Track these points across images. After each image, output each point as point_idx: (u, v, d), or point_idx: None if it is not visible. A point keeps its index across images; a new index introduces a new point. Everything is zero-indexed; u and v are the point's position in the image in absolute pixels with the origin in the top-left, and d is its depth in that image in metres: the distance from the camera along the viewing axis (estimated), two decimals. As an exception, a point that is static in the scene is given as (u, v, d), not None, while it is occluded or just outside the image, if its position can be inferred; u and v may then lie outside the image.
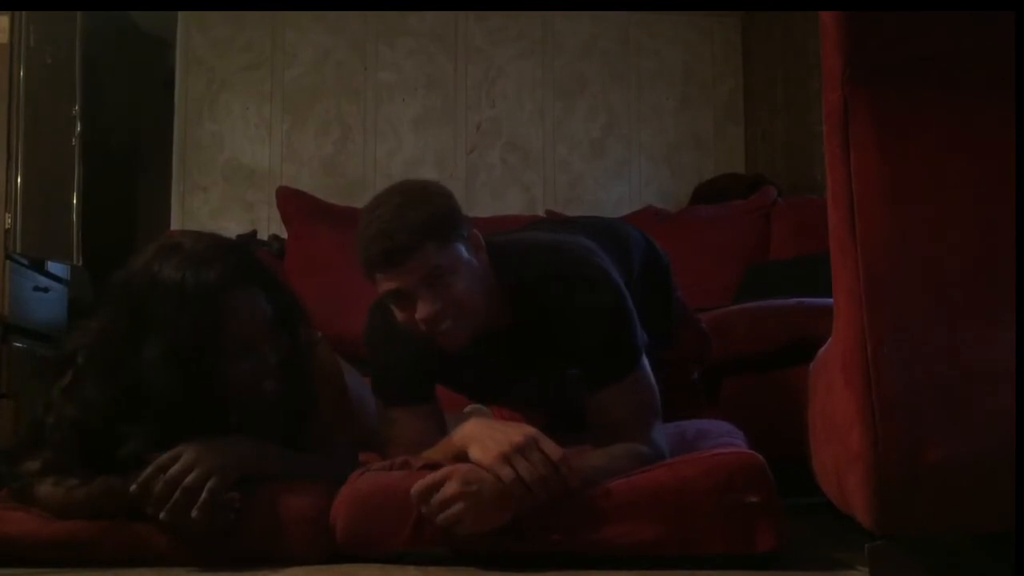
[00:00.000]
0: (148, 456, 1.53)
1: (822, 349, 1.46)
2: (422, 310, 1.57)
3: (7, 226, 3.29)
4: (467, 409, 2.02)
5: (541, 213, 3.91)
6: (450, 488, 1.46)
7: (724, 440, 1.75)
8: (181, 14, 4.19)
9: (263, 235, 3.91)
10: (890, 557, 1.27)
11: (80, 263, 3.75)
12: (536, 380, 1.79)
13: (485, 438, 1.52)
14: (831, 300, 1.31)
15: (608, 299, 1.66)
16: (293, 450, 1.68)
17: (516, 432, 1.52)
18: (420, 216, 1.56)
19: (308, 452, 1.71)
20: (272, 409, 1.66)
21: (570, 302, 1.65)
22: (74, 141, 3.73)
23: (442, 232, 1.58)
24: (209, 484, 1.49)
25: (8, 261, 3.29)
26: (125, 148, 4.64)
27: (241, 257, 1.65)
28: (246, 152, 4.18)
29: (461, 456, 1.54)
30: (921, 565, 1.27)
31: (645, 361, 1.68)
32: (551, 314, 1.66)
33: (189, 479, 1.49)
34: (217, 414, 1.60)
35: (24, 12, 3.40)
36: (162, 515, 1.49)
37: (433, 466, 1.58)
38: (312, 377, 1.73)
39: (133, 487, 1.50)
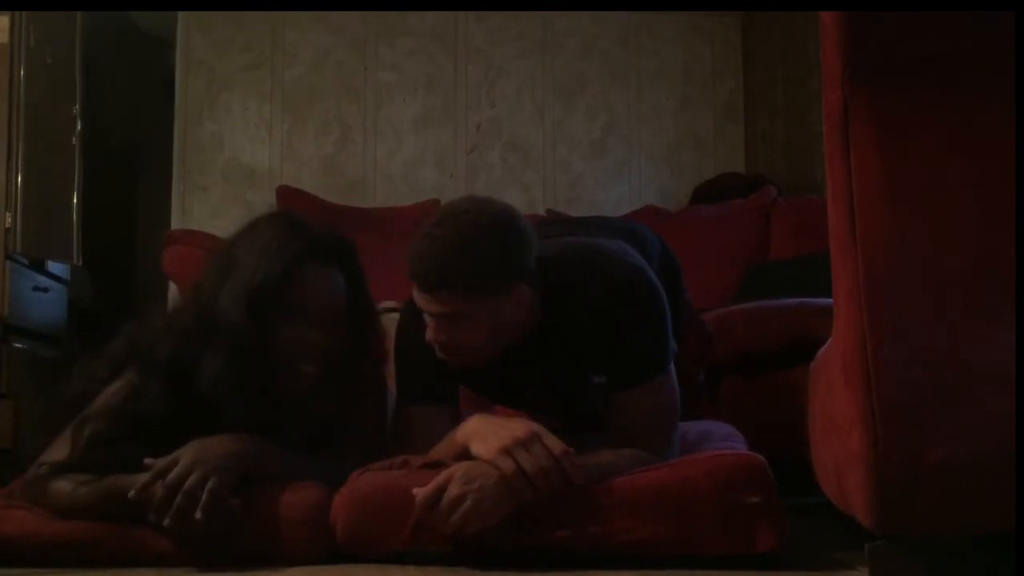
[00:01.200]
0: (146, 463, 1.53)
1: (822, 349, 1.46)
2: (429, 334, 1.61)
3: (7, 226, 3.29)
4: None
5: (541, 213, 3.91)
6: (453, 490, 1.46)
7: (726, 444, 1.75)
8: (181, 14, 4.18)
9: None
10: (890, 557, 1.27)
11: (80, 263, 3.76)
12: (560, 383, 1.78)
13: (487, 433, 1.53)
14: (831, 300, 1.31)
15: (650, 299, 1.66)
16: (313, 450, 1.68)
17: (518, 426, 1.52)
18: (469, 262, 1.54)
19: (324, 453, 1.70)
20: (305, 395, 1.67)
21: (612, 301, 1.63)
22: (74, 141, 3.73)
23: (483, 285, 1.56)
24: (209, 485, 1.49)
25: (8, 261, 3.29)
26: (125, 148, 4.64)
27: (344, 245, 1.72)
28: (246, 152, 4.18)
29: (463, 453, 1.54)
30: (921, 565, 1.27)
31: (672, 367, 1.68)
32: (589, 314, 1.64)
33: (189, 482, 1.49)
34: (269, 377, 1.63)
35: (24, 12, 3.40)
36: (166, 522, 1.49)
37: (434, 464, 1.58)
38: (357, 386, 1.74)
39: (132, 493, 1.50)
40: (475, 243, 1.54)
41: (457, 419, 1.74)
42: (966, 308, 1.22)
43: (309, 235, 1.67)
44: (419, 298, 1.59)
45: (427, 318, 1.62)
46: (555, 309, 1.67)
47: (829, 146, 1.27)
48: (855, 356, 1.22)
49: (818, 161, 3.62)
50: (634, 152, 4.37)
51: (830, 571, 1.51)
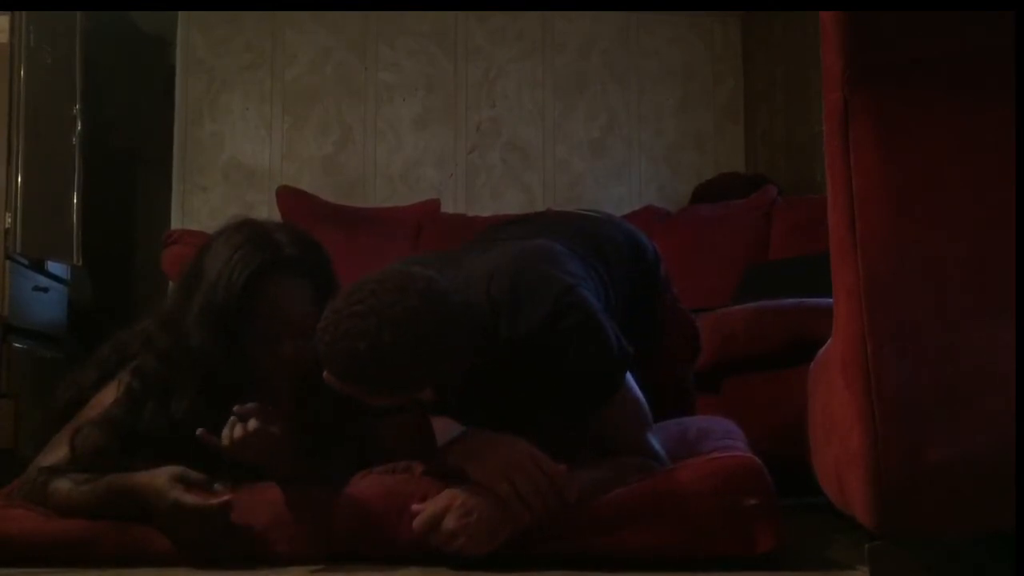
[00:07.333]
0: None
1: (822, 349, 1.46)
2: (325, 375, 1.48)
3: (7, 226, 3.29)
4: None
5: (541, 213, 3.90)
6: (449, 523, 1.46)
7: (724, 442, 1.75)
8: (181, 14, 4.18)
9: (263, 235, 3.91)
10: (890, 557, 1.27)
11: (80, 263, 3.76)
12: (512, 410, 1.73)
13: (484, 454, 1.51)
14: (831, 300, 1.31)
15: (583, 323, 1.54)
16: (310, 453, 1.68)
17: (514, 448, 1.51)
18: (379, 371, 1.41)
19: (323, 456, 1.70)
20: (290, 406, 1.66)
21: (546, 336, 1.54)
22: (74, 141, 3.73)
23: (391, 390, 1.46)
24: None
25: (8, 261, 3.29)
26: (125, 148, 4.64)
27: (311, 254, 1.68)
28: (246, 152, 4.18)
29: (460, 470, 1.54)
30: (921, 565, 1.27)
31: (628, 376, 1.61)
32: (525, 350, 1.56)
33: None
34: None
35: (24, 12, 3.40)
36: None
37: (436, 473, 1.57)
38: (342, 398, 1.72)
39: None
40: (387, 354, 1.39)
41: (420, 422, 1.72)
42: (966, 308, 1.22)
43: (272, 247, 1.64)
44: (325, 372, 1.47)
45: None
46: (494, 342, 1.56)
47: (829, 146, 1.27)
48: (855, 356, 1.22)
49: (818, 161, 3.62)
50: (634, 152, 4.37)
51: (830, 571, 1.51)
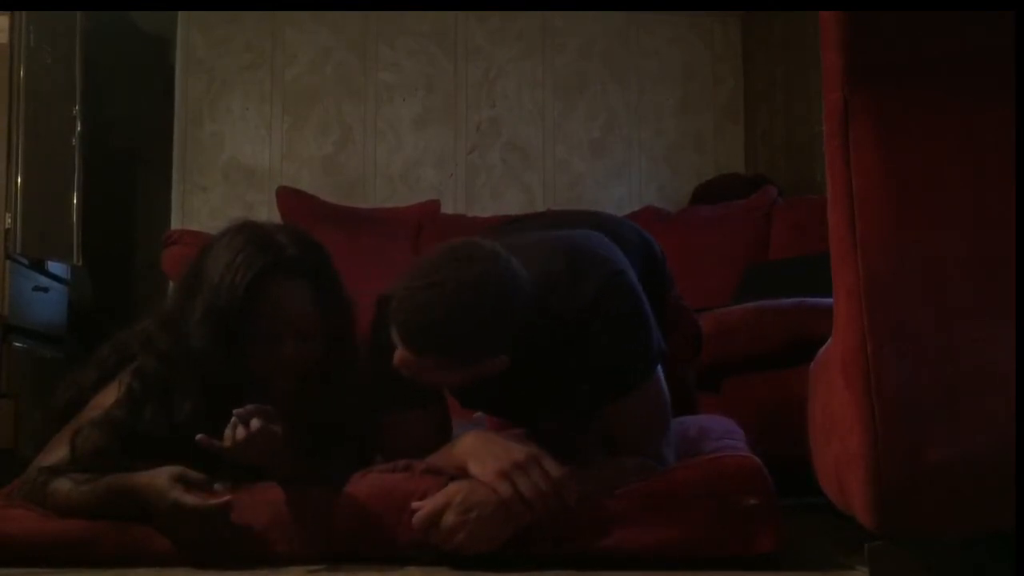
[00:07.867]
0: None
1: (822, 349, 1.46)
2: (398, 358, 1.52)
3: (7, 226, 3.29)
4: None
5: (541, 213, 3.90)
6: (449, 518, 1.46)
7: (725, 442, 1.75)
8: (181, 14, 4.18)
9: (263, 235, 3.91)
10: (890, 557, 1.27)
11: (80, 263, 3.76)
12: (548, 395, 1.71)
13: (485, 454, 1.51)
14: (831, 300, 1.31)
15: (630, 308, 1.59)
16: (310, 453, 1.68)
17: (516, 448, 1.51)
18: (460, 338, 1.46)
19: (323, 456, 1.70)
20: (288, 407, 1.66)
21: (593, 314, 1.57)
22: (74, 141, 3.73)
23: (471, 357, 1.50)
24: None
25: (8, 261, 3.29)
26: (125, 148, 4.64)
27: (312, 255, 1.68)
28: (246, 152, 4.18)
29: (461, 468, 1.54)
30: (921, 565, 1.27)
31: (659, 369, 1.64)
32: (571, 327, 1.58)
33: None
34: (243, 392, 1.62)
35: (24, 12, 3.40)
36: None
37: (435, 471, 1.57)
38: (346, 391, 1.71)
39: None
40: (468, 316, 1.45)
41: (446, 415, 1.73)
42: (966, 308, 1.22)
43: (274, 249, 1.64)
44: (401, 350, 1.51)
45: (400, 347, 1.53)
46: (539, 322, 1.57)
47: (829, 146, 1.27)
48: (855, 356, 1.22)
49: (818, 161, 3.62)
50: (634, 152, 4.37)
51: (830, 571, 1.51)
